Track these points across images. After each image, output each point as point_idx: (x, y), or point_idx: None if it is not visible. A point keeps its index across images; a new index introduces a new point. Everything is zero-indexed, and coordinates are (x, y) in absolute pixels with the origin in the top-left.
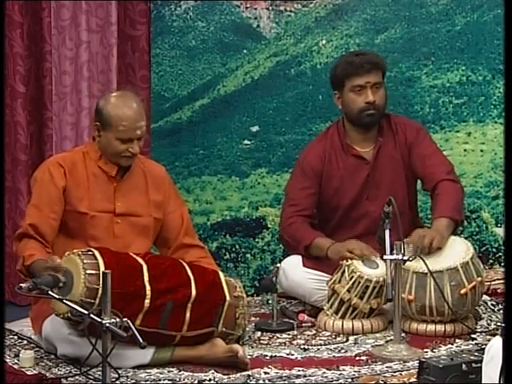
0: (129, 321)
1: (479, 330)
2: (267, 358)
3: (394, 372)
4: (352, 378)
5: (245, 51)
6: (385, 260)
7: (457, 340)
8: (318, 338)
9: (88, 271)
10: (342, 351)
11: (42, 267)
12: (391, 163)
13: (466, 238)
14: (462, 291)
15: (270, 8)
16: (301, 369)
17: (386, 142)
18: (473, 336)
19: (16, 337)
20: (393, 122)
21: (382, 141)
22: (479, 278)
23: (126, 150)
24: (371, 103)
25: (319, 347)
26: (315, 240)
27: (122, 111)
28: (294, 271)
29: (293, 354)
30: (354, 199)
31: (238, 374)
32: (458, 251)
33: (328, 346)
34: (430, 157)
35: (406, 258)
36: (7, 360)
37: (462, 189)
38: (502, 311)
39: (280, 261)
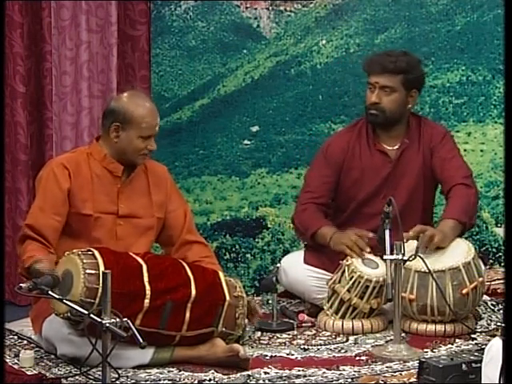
0: (129, 321)
1: (479, 330)
2: (267, 358)
3: (394, 372)
4: (352, 378)
5: (245, 51)
6: (385, 260)
7: (457, 340)
8: (318, 337)
9: (88, 271)
10: (342, 351)
11: (39, 269)
12: (413, 166)
13: (465, 238)
14: (464, 291)
15: (270, 8)
16: (301, 369)
17: (413, 143)
18: (473, 336)
19: (16, 337)
20: (421, 124)
21: (408, 142)
22: (480, 279)
23: (145, 147)
24: (373, 104)
25: (319, 347)
26: (321, 228)
27: (143, 109)
28: (295, 268)
29: (293, 354)
30: (371, 195)
31: (238, 374)
32: (459, 251)
33: (328, 346)
34: (450, 161)
35: (405, 258)
36: (7, 360)
37: (476, 194)
38: (502, 311)
39: (280, 261)
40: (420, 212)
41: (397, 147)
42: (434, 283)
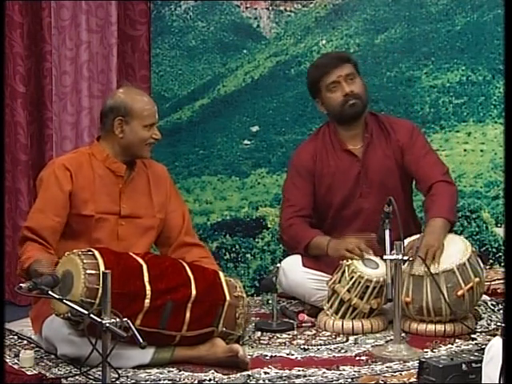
0: (129, 321)
1: (479, 330)
2: (267, 358)
3: (394, 372)
4: (352, 378)
5: (245, 51)
6: (385, 260)
7: (457, 340)
8: (318, 337)
9: (88, 271)
10: (342, 351)
11: (38, 270)
12: (383, 161)
13: (466, 238)
14: (459, 293)
15: (270, 8)
16: (301, 369)
17: (377, 139)
18: (473, 336)
19: (16, 337)
20: (381, 121)
21: (370, 138)
22: (477, 279)
23: (150, 136)
24: (349, 94)
25: (319, 347)
26: (314, 239)
27: (141, 99)
28: (294, 271)
29: (293, 354)
30: (347, 196)
31: (238, 374)
32: (454, 252)
33: (328, 346)
34: (425, 157)
35: (405, 257)
36: (7, 360)
37: (456, 191)
38: (502, 311)
39: (280, 261)
40: (401, 207)
41: (361, 145)
42: (428, 285)
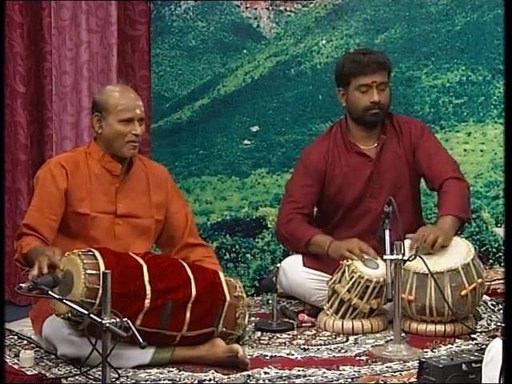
0: (129, 321)
1: (479, 330)
2: (267, 358)
3: (394, 372)
4: (352, 378)
5: (245, 51)
6: (385, 260)
7: (457, 340)
8: (318, 337)
9: (88, 271)
10: (342, 351)
11: (38, 253)
12: (394, 161)
13: (465, 238)
14: (463, 293)
15: (270, 8)
16: (301, 369)
17: (389, 139)
18: (473, 336)
19: (16, 337)
20: (395, 120)
21: (385, 138)
22: (479, 280)
23: (129, 132)
24: (376, 103)
25: (319, 347)
26: (315, 237)
27: (117, 94)
28: (294, 271)
29: (293, 354)
30: (358, 197)
31: (238, 374)
32: (459, 252)
33: (328, 346)
34: (436, 155)
35: (406, 258)
36: (7, 360)
37: (467, 187)
38: (502, 311)
39: (280, 261)
40: (409, 206)
41: (375, 145)
42: (432, 284)
